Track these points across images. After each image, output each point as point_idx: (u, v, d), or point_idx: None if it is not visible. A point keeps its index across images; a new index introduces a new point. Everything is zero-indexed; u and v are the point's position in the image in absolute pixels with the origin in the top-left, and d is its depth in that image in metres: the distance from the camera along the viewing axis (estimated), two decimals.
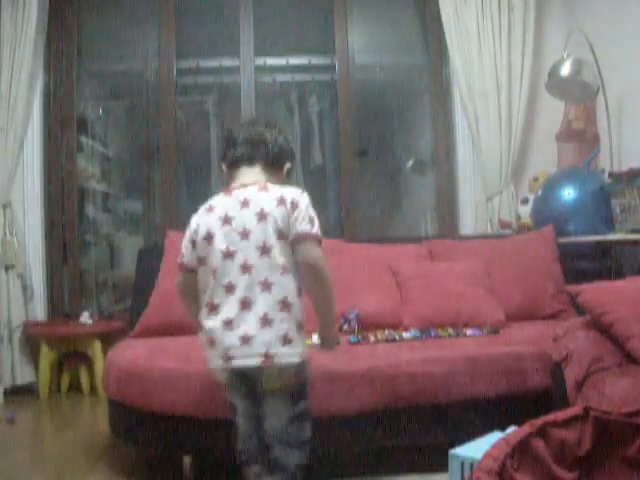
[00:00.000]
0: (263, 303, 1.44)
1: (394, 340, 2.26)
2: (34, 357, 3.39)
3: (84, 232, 4.03)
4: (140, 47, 4.02)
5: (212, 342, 1.47)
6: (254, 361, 1.43)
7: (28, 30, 3.37)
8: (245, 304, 1.44)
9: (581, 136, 3.36)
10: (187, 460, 2.09)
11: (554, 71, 3.00)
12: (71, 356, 3.40)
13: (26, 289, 3.45)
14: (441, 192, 3.91)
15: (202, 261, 1.52)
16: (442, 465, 1.56)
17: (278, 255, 1.46)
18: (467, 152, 3.74)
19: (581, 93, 3.04)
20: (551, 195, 2.99)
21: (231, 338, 1.44)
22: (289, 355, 1.45)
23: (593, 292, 1.80)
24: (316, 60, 4.25)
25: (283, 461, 1.48)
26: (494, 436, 1.51)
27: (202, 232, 1.52)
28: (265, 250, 1.46)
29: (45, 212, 3.59)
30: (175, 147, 3.81)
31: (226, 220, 1.49)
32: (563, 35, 3.26)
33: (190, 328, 2.31)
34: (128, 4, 3.96)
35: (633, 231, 2.54)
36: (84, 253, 4.01)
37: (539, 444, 1.10)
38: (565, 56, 3.00)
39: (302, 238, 1.47)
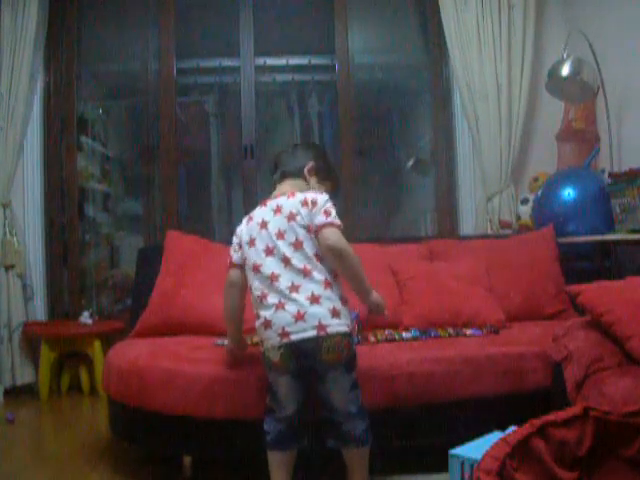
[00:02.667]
0: (308, 285, 1.66)
1: (394, 340, 2.26)
2: (34, 357, 3.38)
3: (84, 232, 4.03)
4: (140, 47, 4.02)
5: (267, 324, 1.67)
6: (310, 333, 1.63)
7: (28, 30, 3.37)
8: (293, 288, 1.66)
9: (581, 136, 3.36)
10: (187, 460, 2.09)
11: (554, 71, 3.00)
12: (71, 356, 3.40)
13: (26, 289, 3.45)
14: (441, 192, 3.91)
15: (248, 261, 1.76)
16: (442, 465, 1.56)
17: (310, 247, 1.71)
18: (467, 152, 3.74)
19: (581, 93, 3.04)
20: (551, 195, 2.99)
21: (285, 317, 1.64)
22: (339, 325, 1.66)
23: (593, 292, 1.80)
24: (316, 60, 4.25)
25: (353, 432, 1.68)
26: (494, 436, 1.51)
27: (246, 237, 1.79)
28: (298, 245, 1.70)
29: (45, 212, 3.59)
30: (175, 147, 3.81)
31: (263, 225, 1.76)
32: (563, 35, 3.26)
33: (190, 328, 2.34)
34: (128, 4, 3.96)
35: (633, 231, 2.54)
36: (84, 253, 4.01)
37: (539, 444, 1.10)
38: (565, 56, 3.00)
39: (320, 228, 1.71)
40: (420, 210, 4.29)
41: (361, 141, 4.09)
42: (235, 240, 1.84)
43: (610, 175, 2.78)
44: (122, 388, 2.04)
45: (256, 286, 1.72)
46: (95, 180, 4.24)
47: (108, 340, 3.32)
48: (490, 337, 2.26)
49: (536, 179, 3.46)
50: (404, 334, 2.31)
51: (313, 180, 1.89)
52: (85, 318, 3.42)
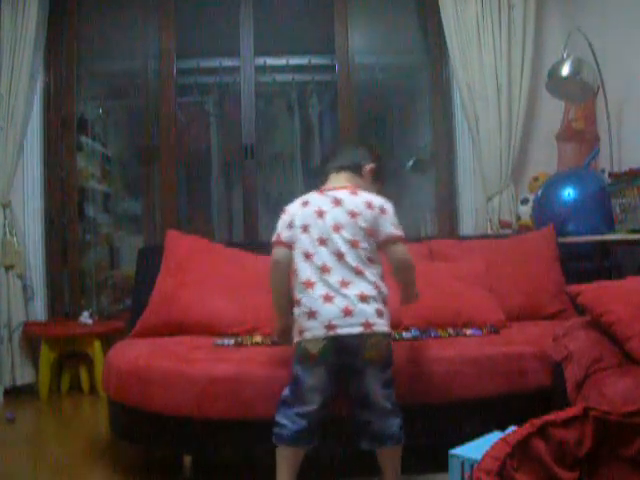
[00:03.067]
0: (359, 284, 1.68)
1: (394, 340, 2.25)
2: (34, 357, 3.38)
3: (84, 232, 4.03)
4: (140, 47, 4.02)
5: (312, 314, 1.66)
6: (357, 329, 1.65)
7: (28, 30, 3.37)
8: (343, 284, 1.67)
9: (581, 136, 3.36)
10: (187, 460, 2.09)
11: (554, 71, 3.00)
12: (71, 356, 3.40)
13: (26, 289, 3.45)
14: (441, 192, 3.91)
15: (298, 245, 1.75)
16: (442, 465, 1.56)
17: (364, 249, 1.72)
18: (467, 152, 3.74)
19: (581, 93, 3.04)
20: (551, 195, 2.99)
21: (333, 310, 1.65)
22: (383, 325, 1.70)
23: (593, 292, 1.80)
24: (316, 60, 4.26)
25: (388, 430, 1.71)
26: (494, 436, 1.51)
27: (299, 221, 1.77)
28: (354, 244, 1.71)
29: (45, 212, 3.59)
30: (175, 147, 3.81)
31: (320, 214, 1.75)
32: (563, 35, 3.26)
33: (190, 328, 2.34)
34: (128, 4, 3.96)
35: (633, 231, 2.54)
36: (84, 253, 4.01)
37: (539, 444, 1.10)
38: (565, 56, 3.00)
39: (391, 240, 1.76)
40: (420, 210, 4.29)
41: (361, 141, 4.09)
42: (286, 218, 1.81)
43: (610, 175, 2.78)
44: (122, 388, 2.04)
45: (304, 272, 1.71)
46: (95, 180, 4.24)
47: (108, 340, 3.32)
48: (490, 337, 2.26)
49: (536, 179, 3.46)
50: (404, 334, 2.31)
51: (368, 180, 1.91)
52: (85, 318, 3.42)
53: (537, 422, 1.13)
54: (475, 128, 3.58)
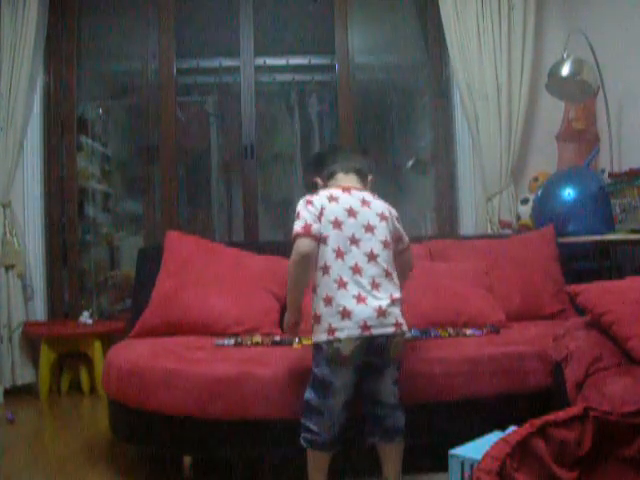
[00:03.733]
0: (388, 286, 1.71)
1: None
2: (34, 357, 3.39)
3: (84, 232, 4.03)
4: (140, 47, 4.02)
5: (346, 314, 1.65)
6: (390, 329, 1.68)
7: (28, 30, 3.37)
8: (375, 285, 1.69)
9: (581, 136, 3.36)
10: (187, 460, 2.09)
11: (554, 71, 3.00)
12: (71, 356, 3.40)
13: (26, 289, 3.45)
14: (441, 192, 3.91)
15: (328, 241, 1.72)
16: (442, 465, 1.56)
17: (391, 250, 1.77)
18: (467, 152, 3.74)
19: (581, 93, 3.04)
20: (551, 195, 2.99)
21: (367, 310, 1.66)
22: (405, 325, 1.74)
23: (593, 292, 1.80)
24: (316, 60, 4.26)
25: (398, 424, 1.75)
26: (494, 436, 1.51)
27: (330, 216, 1.74)
28: (386, 245, 1.75)
29: (45, 212, 3.59)
30: (175, 147, 3.81)
31: (351, 212, 1.75)
32: (563, 35, 3.26)
33: (190, 328, 2.34)
34: (128, 4, 3.97)
35: (633, 231, 2.54)
36: (84, 253, 4.01)
37: (539, 444, 1.10)
38: (565, 56, 3.00)
39: (407, 247, 1.87)
40: (420, 210, 4.29)
41: (361, 141, 4.09)
42: (313, 210, 1.73)
43: (610, 175, 2.78)
44: (122, 388, 2.04)
45: (335, 270, 1.68)
46: (95, 180, 4.24)
47: (108, 340, 3.32)
48: (490, 337, 2.26)
49: (536, 179, 3.46)
50: None
51: (368, 189, 1.91)
52: (85, 318, 3.42)
53: (537, 422, 1.13)
54: (475, 128, 3.58)
